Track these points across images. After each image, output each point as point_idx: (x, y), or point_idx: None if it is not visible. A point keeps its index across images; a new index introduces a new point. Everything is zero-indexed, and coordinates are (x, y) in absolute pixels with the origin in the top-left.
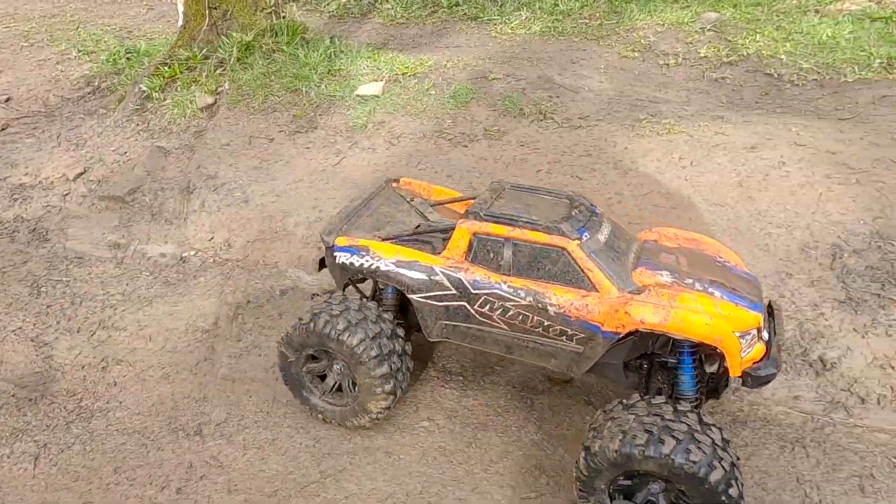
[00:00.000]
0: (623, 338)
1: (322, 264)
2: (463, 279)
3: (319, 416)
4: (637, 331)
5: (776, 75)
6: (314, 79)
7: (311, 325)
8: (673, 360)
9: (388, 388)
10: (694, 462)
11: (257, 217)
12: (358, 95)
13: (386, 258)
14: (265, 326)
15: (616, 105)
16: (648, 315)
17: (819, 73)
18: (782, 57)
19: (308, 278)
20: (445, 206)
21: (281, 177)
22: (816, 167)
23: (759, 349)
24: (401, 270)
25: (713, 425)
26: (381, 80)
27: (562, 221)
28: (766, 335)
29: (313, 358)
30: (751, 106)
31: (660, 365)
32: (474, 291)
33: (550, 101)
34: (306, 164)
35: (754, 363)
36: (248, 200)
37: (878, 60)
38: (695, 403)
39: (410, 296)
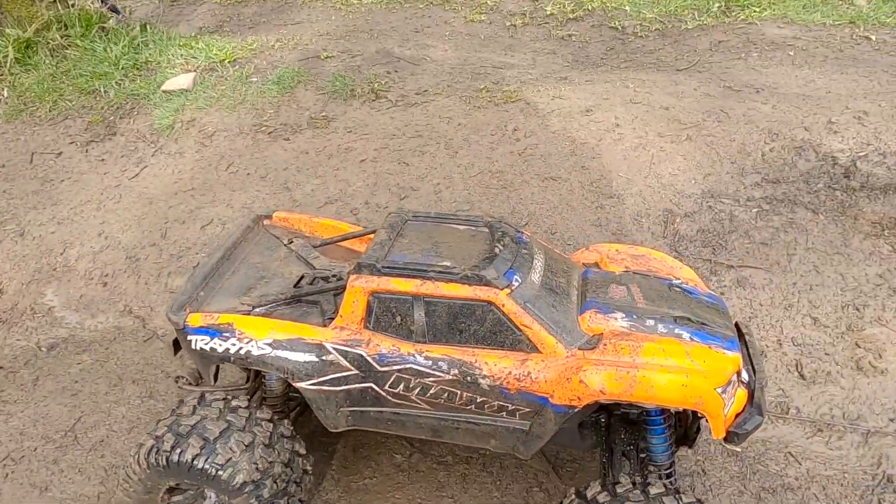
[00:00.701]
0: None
1: (178, 346)
2: (364, 355)
3: None
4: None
5: (621, 28)
6: (115, 76)
7: (154, 453)
8: (636, 412)
9: None
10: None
11: (33, 252)
12: (164, 91)
13: (258, 339)
14: (8, 401)
15: (458, 75)
16: (609, 383)
17: (662, 22)
18: (626, 8)
19: (90, 322)
20: (335, 244)
21: (65, 199)
22: (649, 126)
23: (741, 397)
24: (280, 353)
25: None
26: (193, 72)
27: (484, 265)
28: (745, 376)
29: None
30: (596, 63)
31: (621, 419)
32: (381, 369)
33: (388, 76)
34: (98, 180)
35: (737, 416)
36: (23, 233)
37: (717, 4)
38: (668, 470)
39: (298, 384)
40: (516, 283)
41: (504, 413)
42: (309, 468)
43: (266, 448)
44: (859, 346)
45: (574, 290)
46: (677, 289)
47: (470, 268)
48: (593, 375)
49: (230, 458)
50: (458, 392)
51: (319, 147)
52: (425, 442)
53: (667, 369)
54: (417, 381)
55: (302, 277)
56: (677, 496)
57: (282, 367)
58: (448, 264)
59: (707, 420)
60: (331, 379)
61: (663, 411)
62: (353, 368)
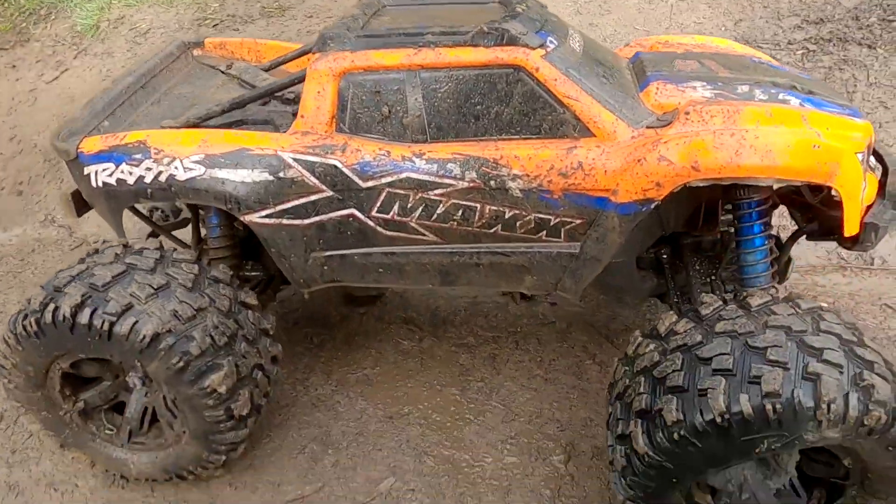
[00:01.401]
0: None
1: (81, 201)
2: (340, 166)
3: (133, 474)
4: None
5: None
6: None
7: (50, 312)
8: (710, 240)
9: (240, 402)
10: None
11: None
12: None
13: (182, 155)
14: None
15: None
16: (704, 152)
17: None
18: None
19: (2, 236)
20: (290, 64)
21: None
22: None
23: (872, 183)
24: (216, 173)
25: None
26: None
27: (505, 20)
28: (871, 160)
29: (81, 379)
30: None
31: (692, 248)
32: (366, 185)
33: None
34: (9, 86)
35: (868, 207)
36: None
37: None
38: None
39: (245, 217)
40: (552, 45)
41: (544, 232)
42: (276, 351)
43: (190, 293)
44: None
45: (626, 70)
46: (760, 63)
47: (486, 24)
48: (679, 147)
49: (129, 305)
50: (478, 207)
51: (275, 36)
52: (437, 325)
53: (783, 132)
54: (418, 197)
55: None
56: (792, 302)
57: (220, 193)
58: (453, 26)
59: (836, 204)
60: (294, 207)
61: (762, 214)
62: (324, 188)
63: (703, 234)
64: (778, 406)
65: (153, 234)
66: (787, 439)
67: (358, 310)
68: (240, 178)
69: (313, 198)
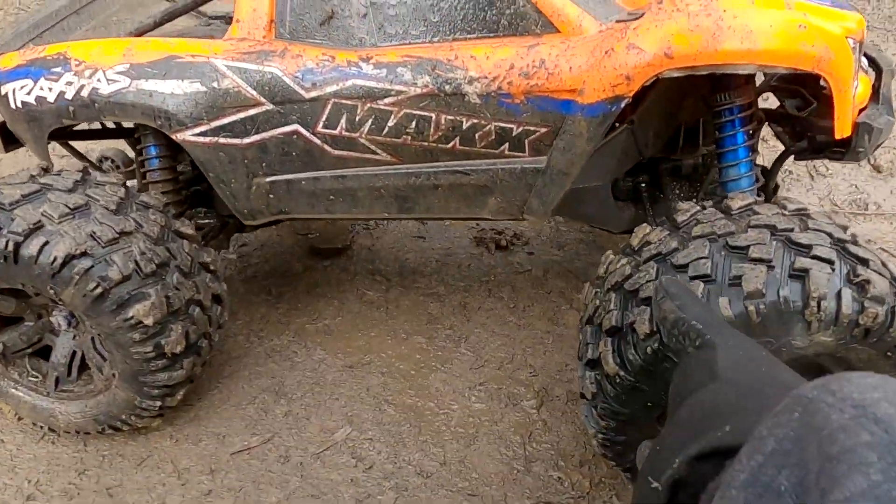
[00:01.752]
0: (621, 120)
1: (8, 133)
2: (280, 74)
3: (62, 426)
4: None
5: None
6: None
7: None
8: (689, 163)
9: (172, 339)
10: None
11: None
12: None
13: (106, 65)
14: None
15: None
16: (678, 37)
17: None
18: None
19: None
20: None
21: None
22: None
23: (865, 84)
24: (143, 85)
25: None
26: None
27: None
28: (864, 60)
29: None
30: None
31: (671, 173)
32: (309, 95)
33: None
34: None
35: (860, 111)
36: None
37: None
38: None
39: (178, 136)
40: None
41: (506, 145)
42: (220, 291)
43: (113, 215)
44: None
45: None
46: None
47: None
48: (651, 33)
49: (38, 224)
50: (433, 117)
51: None
52: (406, 275)
53: (765, 12)
54: (367, 107)
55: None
56: (778, 204)
57: (148, 108)
58: None
59: (827, 98)
60: (231, 123)
61: (745, 118)
62: (263, 101)
63: (683, 158)
64: (762, 307)
65: None
66: (773, 346)
67: (322, 261)
68: (169, 89)
69: (252, 112)
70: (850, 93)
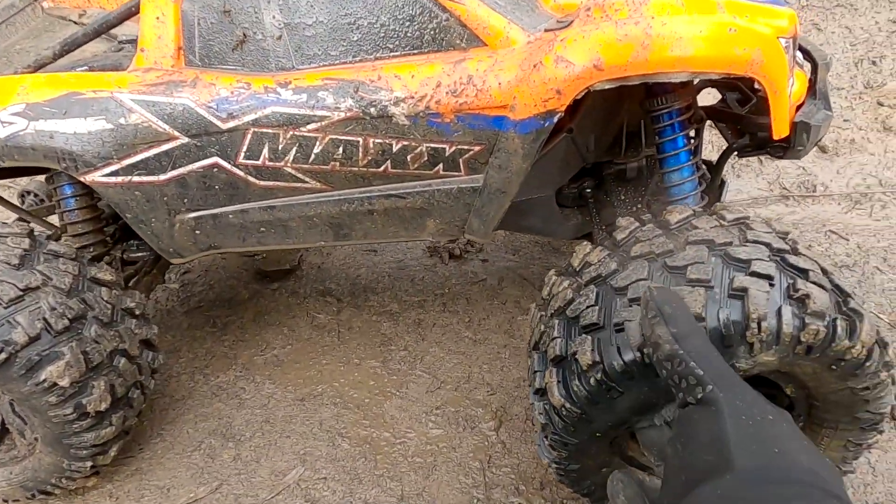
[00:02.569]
0: (556, 131)
1: None
2: (192, 105)
3: None
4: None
5: None
6: None
7: None
8: (634, 164)
9: (95, 396)
10: None
11: None
12: None
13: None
14: None
15: None
16: (606, 48)
17: None
18: None
19: None
20: None
21: None
22: None
23: (802, 80)
24: (41, 125)
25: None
26: None
27: None
28: (799, 55)
29: None
30: None
31: (616, 179)
32: (226, 126)
33: None
34: None
35: (798, 107)
36: None
37: None
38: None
39: (87, 177)
40: None
41: (440, 165)
42: (149, 333)
43: (15, 271)
44: (882, 105)
45: None
46: None
47: None
48: (579, 44)
49: None
50: (360, 142)
51: None
52: (358, 294)
53: (695, 20)
54: (289, 135)
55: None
56: (717, 215)
57: (50, 150)
58: None
59: (764, 101)
60: (144, 161)
61: (683, 122)
62: (177, 134)
63: (627, 161)
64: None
65: (22, 220)
66: None
67: (270, 285)
68: (71, 129)
69: (166, 147)
70: (786, 93)
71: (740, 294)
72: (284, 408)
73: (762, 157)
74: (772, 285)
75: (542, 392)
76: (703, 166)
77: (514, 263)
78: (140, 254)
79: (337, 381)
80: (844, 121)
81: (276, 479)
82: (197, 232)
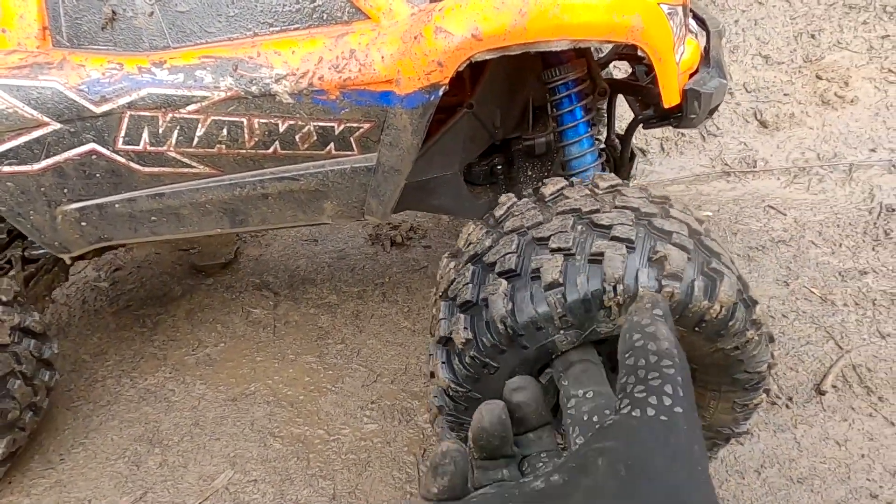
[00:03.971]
0: (457, 107)
1: None
2: (61, 88)
3: None
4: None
5: None
6: None
7: None
8: (542, 139)
9: None
10: None
11: None
12: None
13: None
14: None
15: None
16: (484, 18)
17: None
18: None
19: None
20: None
21: None
22: None
23: (693, 48)
24: None
25: None
26: None
27: None
28: (692, 23)
29: None
30: None
31: (524, 154)
32: (100, 109)
33: None
34: None
35: (691, 76)
36: None
37: None
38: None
39: None
40: None
41: (332, 145)
42: (47, 354)
43: None
44: (821, 78)
45: None
46: None
47: None
48: (456, 14)
49: None
50: (245, 122)
51: None
52: (296, 286)
53: None
54: (169, 118)
55: None
56: (591, 183)
57: None
58: None
59: (651, 71)
60: (13, 150)
61: (580, 94)
62: (47, 120)
63: (535, 136)
64: (559, 297)
65: None
66: (582, 335)
67: (205, 280)
68: None
69: (37, 134)
70: (672, 61)
71: (598, 259)
72: (215, 409)
73: (704, 134)
74: (631, 249)
75: (433, 374)
76: (617, 140)
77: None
78: (42, 251)
79: (271, 378)
80: (784, 95)
81: (205, 484)
82: (83, 224)
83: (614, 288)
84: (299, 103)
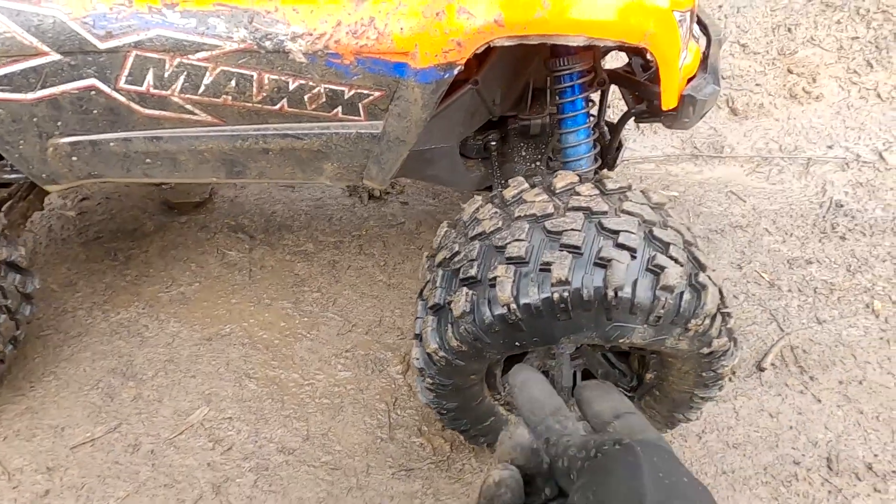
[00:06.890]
0: (462, 83)
1: None
2: (63, 19)
3: None
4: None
5: None
6: None
7: None
8: (538, 120)
9: None
10: None
11: None
12: None
13: None
14: None
15: None
16: (509, 6)
17: None
18: None
19: None
20: None
21: None
22: None
23: (696, 54)
24: None
25: None
26: None
27: None
28: (696, 28)
29: None
30: None
31: (519, 134)
32: (105, 45)
33: None
34: None
35: (688, 81)
36: None
37: None
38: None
39: None
40: None
41: (339, 108)
42: (32, 292)
43: None
44: (791, 72)
45: None
46: None
47: None
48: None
49: None
50: (255, 76)
51: None
52: (272, 232)
53: None
54: (176, 62)
55: None
56: (599, 182)
57: None
58: None
59: (648, 68)
60: (8, 75)
61: (584, 86)
62: (47, 49)
63: (532, 117)
64: (565, 294)
65: None
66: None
67: (178, 218)
68: None
69: (34, 63)
70: (677, 66)
71: (604, 264)
72: (190, 347)
73: None
74: (634, 258)
75: (420, 337)
76: (606, 128)
77: (434, 208)
78: (14, 175)
79: (246, 321)
80: (756, 85)
81: (180, 418)
82: (74, 158)
83: (615, 294)
84: (312, 64)
